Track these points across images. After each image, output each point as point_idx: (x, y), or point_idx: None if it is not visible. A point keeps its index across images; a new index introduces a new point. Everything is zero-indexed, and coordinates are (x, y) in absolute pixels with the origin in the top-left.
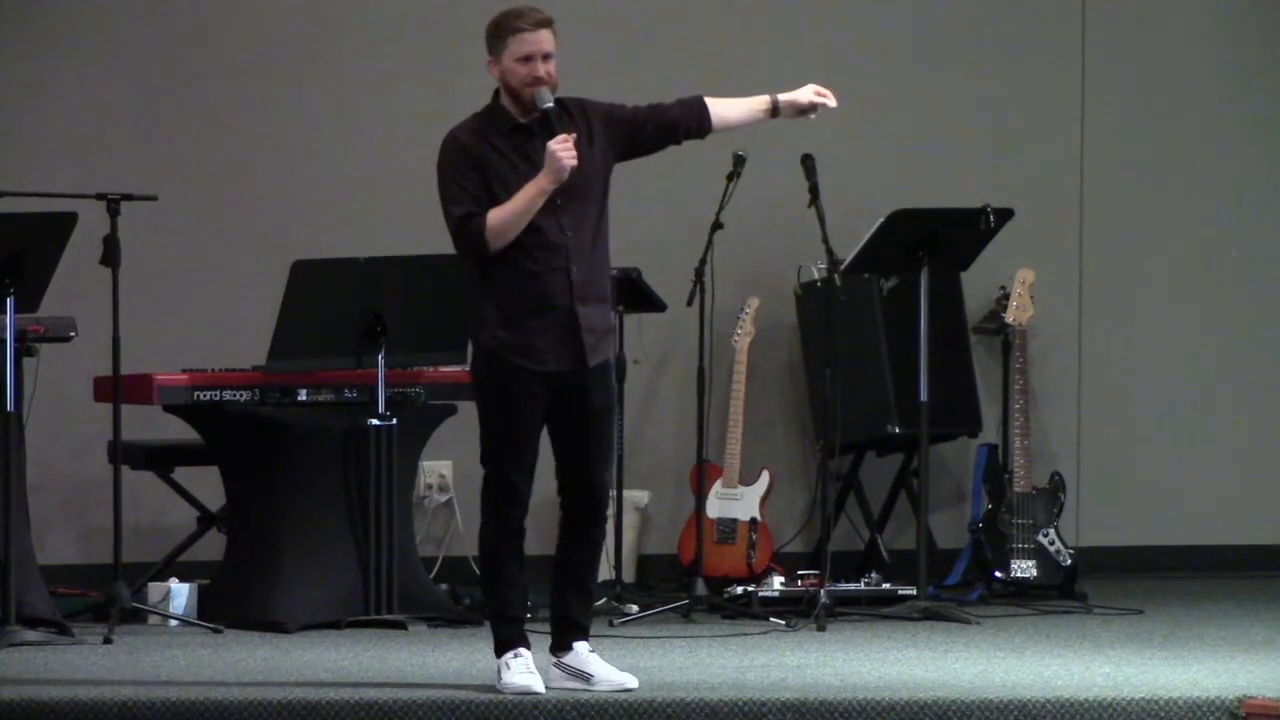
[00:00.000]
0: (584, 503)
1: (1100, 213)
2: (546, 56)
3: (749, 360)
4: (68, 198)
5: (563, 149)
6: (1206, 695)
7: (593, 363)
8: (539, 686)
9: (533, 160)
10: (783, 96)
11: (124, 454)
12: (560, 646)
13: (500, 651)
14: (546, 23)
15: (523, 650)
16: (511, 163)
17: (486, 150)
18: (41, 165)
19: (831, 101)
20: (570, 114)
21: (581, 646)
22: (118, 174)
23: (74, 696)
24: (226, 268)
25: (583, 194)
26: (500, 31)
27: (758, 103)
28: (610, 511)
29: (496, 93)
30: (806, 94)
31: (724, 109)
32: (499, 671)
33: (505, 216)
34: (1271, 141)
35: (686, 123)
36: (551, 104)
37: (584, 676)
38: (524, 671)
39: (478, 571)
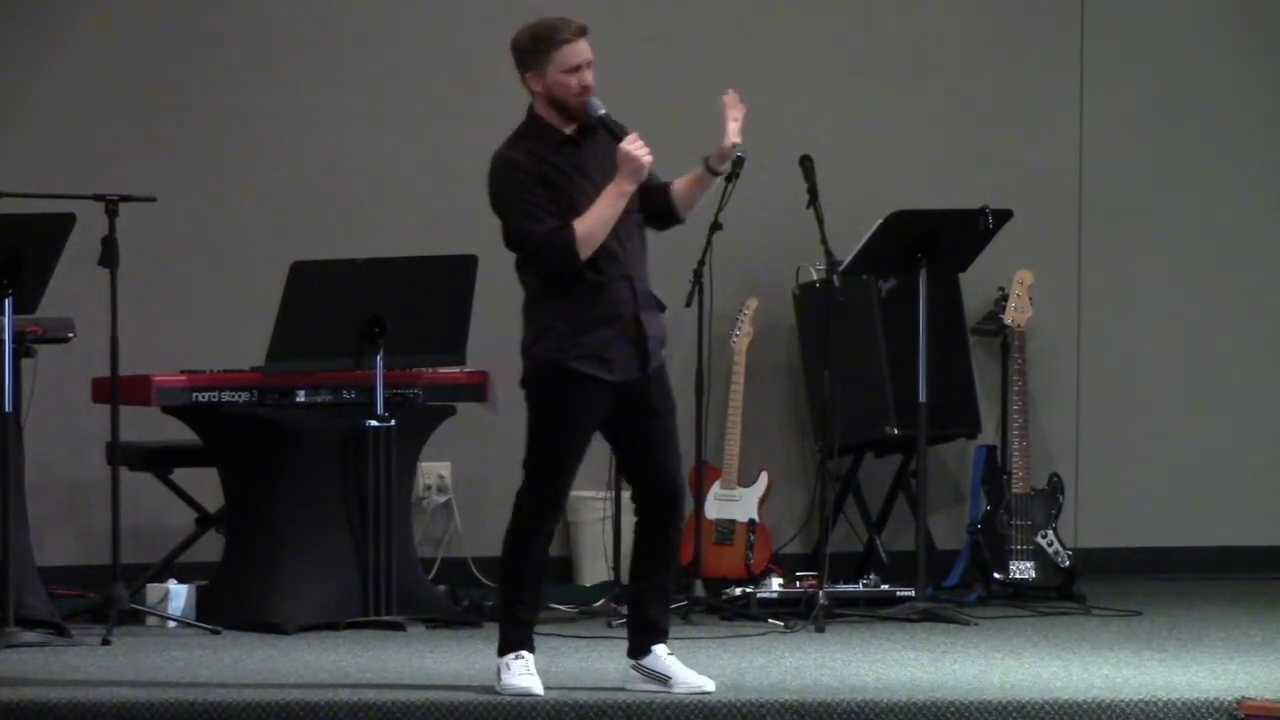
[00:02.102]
0: (665, 503)
1: (1099, 213)
2: (589, 64)
3: (747, 361)
4: (66, 198)
5: (637, 149)
6: (1205, 697)
7: (652, 368)
8: (538, 689)
9: (584, 171)
10: (711, 156)
11: (122, 455)
12: (638, 650)
13: (503, 652)
14: (584, 31)
15: (525, 653)
16: (566, 175)
17: (543, 166)
18: (40, 165)
19: (738, 108)
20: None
21: (660, 649)
22: (116, 174)
23: (72, 698)
24: (225, 269)
25: (630, 204)
26: (543, 45)
27: (697, 173)
28: (609, 513)
29: (531, 107)
30: (726, 135)
31: (684, 195)
32: (499, 672)
33: (592, 224)
34: (1272, 142)
35: (668, 220)
36: (604, 110)
37: (662, 679)
38: (524, 673)
39: (500, 569)
